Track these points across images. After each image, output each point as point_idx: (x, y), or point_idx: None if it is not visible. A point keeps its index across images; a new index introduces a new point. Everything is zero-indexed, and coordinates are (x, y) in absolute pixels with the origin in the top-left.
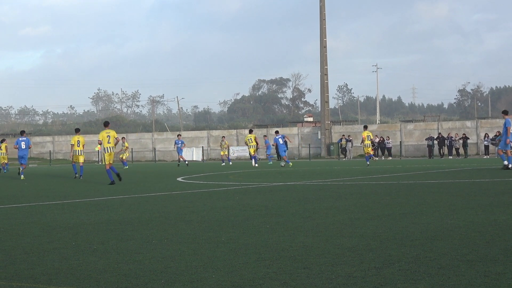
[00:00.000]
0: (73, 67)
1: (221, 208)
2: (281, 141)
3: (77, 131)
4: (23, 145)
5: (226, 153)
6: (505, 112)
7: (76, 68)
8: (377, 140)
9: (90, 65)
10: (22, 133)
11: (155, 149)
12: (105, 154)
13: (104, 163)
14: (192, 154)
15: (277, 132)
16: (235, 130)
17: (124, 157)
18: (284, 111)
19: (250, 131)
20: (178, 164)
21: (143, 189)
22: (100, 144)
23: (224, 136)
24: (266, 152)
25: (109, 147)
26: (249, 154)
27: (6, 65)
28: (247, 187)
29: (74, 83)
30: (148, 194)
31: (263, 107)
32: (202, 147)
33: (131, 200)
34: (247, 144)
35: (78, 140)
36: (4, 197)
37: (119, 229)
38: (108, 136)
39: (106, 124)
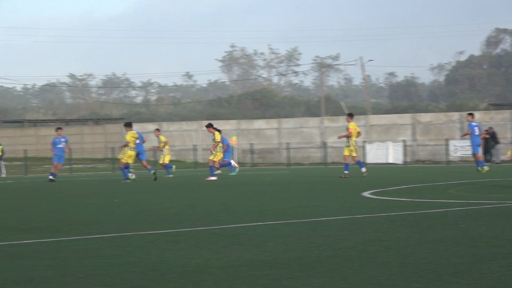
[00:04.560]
0: (188, 10)
1: (435, 242)
2: (477, 131)
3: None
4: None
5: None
6: None
7: (193, 13)
8: None
9: (216, 8)
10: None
11: (325, 144)
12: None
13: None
14: (387, 152)
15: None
16: (458, 113)
17: (163, 161)
18: None
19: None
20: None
21: (306, 210)
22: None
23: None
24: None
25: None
26: None
27: (84, 9)
28: (479, 208)
29: (192, 36)
30: (316, 219)
31: (504, 74)
32: (404, 140)
33: (287, 228)
34: None
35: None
36: (82, 222)
37: (268, 275)
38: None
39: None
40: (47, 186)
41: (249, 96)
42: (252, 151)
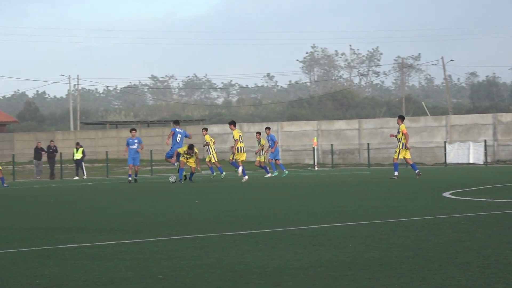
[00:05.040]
0: (269, 11)
1: None
2: None
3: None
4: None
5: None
6: None
7: (274, 14)
8: None
9: (297, 8)
10: None
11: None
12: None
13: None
14: (468, 152)
15: None
16: None
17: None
18: None
19: None
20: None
21: (385, 211)
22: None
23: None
24: None
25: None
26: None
27: (166, 10)
28: None
29: (273, 37)
30: (395, 220)
31: None
32: (485, 140)
33: (367, 228)
34: None
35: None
36: (163, 223)
37: (347, 276)
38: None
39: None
40: (128, 188)
41: (329, 97)
42: (332, 152)
